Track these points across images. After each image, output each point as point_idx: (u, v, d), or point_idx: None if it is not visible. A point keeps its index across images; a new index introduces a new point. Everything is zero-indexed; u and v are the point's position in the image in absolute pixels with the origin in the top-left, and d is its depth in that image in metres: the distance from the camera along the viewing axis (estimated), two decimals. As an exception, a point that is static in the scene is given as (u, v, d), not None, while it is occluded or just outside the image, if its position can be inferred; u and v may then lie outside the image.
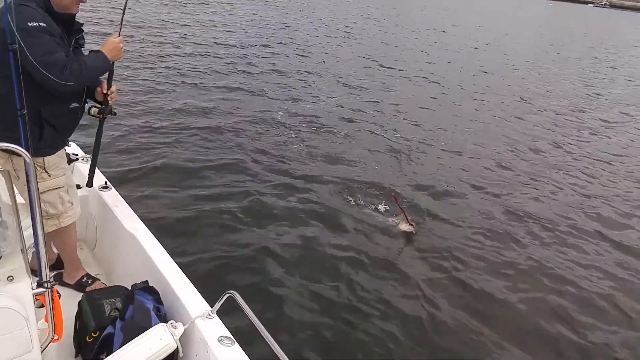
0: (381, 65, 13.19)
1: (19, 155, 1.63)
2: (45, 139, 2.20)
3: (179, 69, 9.47)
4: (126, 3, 2.51)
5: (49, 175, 2.29)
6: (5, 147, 1.49)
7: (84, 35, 2.37)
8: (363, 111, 8.77)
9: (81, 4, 2.23)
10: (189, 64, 9.96)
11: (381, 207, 5.08)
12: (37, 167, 2.21)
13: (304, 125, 7.49)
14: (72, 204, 2.45)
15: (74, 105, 2.28)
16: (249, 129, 6.92)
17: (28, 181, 1.56)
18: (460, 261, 4.46)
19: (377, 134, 7.72)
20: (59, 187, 2.35)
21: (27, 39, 1.92)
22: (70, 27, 2.20)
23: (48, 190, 2.30)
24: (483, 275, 4.33)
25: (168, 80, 8.50)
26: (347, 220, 4.81)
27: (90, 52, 2.29)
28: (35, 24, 1.95)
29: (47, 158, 2.27)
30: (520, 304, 4.01)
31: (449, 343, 3.44)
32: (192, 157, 5.74)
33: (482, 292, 4.08)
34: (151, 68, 9.12)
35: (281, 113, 7.83)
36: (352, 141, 7.18)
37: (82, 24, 2.31)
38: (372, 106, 9.17)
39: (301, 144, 6.67)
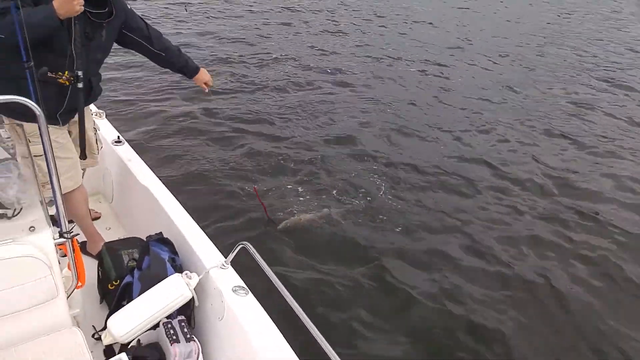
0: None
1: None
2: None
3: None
4: None
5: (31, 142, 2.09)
6: (13, 100, 1.43)
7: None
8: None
9: None
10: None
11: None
12: (16, 131, 2.15)
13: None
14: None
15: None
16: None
17: (41, 134, 1.58)
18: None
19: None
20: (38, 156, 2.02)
21: None
22: None
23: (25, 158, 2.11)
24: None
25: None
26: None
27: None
28: None
29: (25, 125, 2.12)
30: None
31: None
32: (205, 118, 5.76)
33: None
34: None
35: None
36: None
37: None
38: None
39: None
